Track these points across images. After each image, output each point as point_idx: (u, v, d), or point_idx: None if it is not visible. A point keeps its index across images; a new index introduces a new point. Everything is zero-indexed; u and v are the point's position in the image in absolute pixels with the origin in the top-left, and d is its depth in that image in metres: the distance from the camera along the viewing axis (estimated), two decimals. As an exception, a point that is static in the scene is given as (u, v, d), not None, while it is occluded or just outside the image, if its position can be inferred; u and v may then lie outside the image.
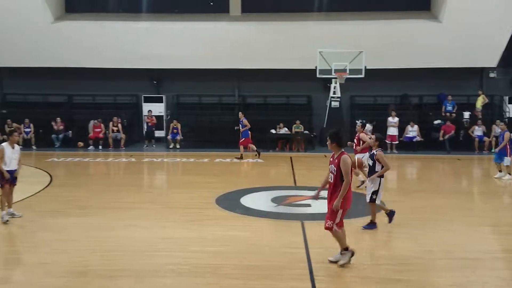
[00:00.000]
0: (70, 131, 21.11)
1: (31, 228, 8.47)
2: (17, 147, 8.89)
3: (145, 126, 21.59)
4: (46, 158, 17.19)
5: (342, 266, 6.44)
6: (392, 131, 19.91)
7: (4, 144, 8.73)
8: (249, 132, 17.56)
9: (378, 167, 8.27)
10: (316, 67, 19.79)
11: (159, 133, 21.77)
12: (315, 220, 8.60)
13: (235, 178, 14.12)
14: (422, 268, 6.66)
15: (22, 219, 8.70)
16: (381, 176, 8.31)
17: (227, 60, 20.96)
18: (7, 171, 8.63)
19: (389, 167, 8.28)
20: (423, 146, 19.90)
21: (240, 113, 17.96)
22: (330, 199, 6.51)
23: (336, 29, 20.72)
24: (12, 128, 8.88)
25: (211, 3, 21.85)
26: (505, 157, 13.32)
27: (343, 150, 6.48)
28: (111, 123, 20.60)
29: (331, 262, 6.56)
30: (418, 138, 20.12)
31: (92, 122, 20.59)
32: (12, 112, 21.41)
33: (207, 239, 7.93)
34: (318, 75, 19.99)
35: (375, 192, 8.27)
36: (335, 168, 6.41)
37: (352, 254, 6.51)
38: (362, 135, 11.67)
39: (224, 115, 21.95)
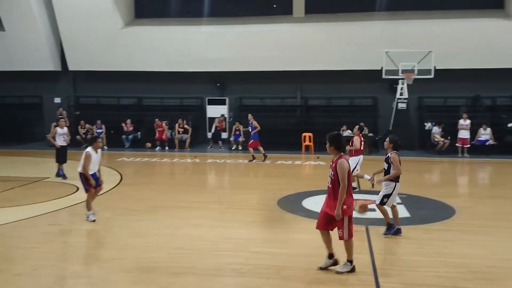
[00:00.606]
0: (139, 132, 21.97)
1: (104, 225, 8.89)
2: (99, 151, 9.24)
3: (212, 128, 22.00)
4: (116, 158, 17.98)
5: (338, 273, 6.26)
6: (464, 134, 19.02)
7: (89, 149, 9.02)
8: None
9: (393, 171, 7.94)
10: (382, 67, 19.33)
11: (223, 135, 22.13)
12: (380, 225, 8.38)
13: (297, 180, 14.07)
14: (494, 277, 6.31)
15: (96, 216, 9.12)
16: (396, 181, 7.93)
17: (290, 62, 20.95)
18: (91, 174, 8.99)
19: (400, 171, 7.88)
20: (497, 150, 18.88)
21: (249, 115, 17.97)
22: (327, 204, 6.35)
23: (403, 29, 20.15)
24: (96, 135, 9.31)
25: (275, 6, 21.92)
26: None
27: (342, 154, 6.26)
28: (177, 125, 21.22)
29: (322, 268, 6.40)
30: (491, 142, 19.12)
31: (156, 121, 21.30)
32: (85, 114, 22.60)
33: (269, 241, 7.96)
34: (384, 76, 19.51)
35: (387, 196, 7.93)
36: (333, 173, 6.23)
37: (353, 269, 6.30)
38: (355, 137, 11.75)
39: (286, 117, 21.95)
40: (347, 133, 20.16)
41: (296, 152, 19.27)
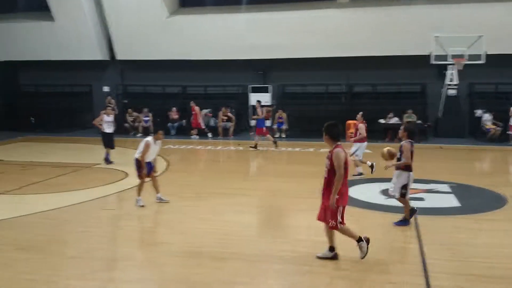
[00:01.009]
0: (184, 120, 22.31)
1: (152, 210, 9.13)
2: (159, 142, 9.51)
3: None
4: (163, 145, 18.17)
5: (363, 258, 6.22)
6: (516, 121, 18.22)
7: (149, 138, 9.35)
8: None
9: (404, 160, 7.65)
10: (430, 53, 18.74)
11: (266, 123, 22.06)
12: (429, 214, 8.20)
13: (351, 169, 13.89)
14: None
15: (144, 201, 9.35)
16: (408, 170, 7.66)
17: (334, 49, 20.62)
18: (146, 162, 9.29)
19: (409, 161, 7.60)
20: (553, 138, 18.01)
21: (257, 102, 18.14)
22: (324, 194, 6.30)
23: (452, 13, 19.40)
24: (160, 129, 9.69)
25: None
26: None
27: (338, 143, 6.25)
28: (220, 113, 21.40)
29: (320, 258, 6.38)
30: (547, 129, 18.25)
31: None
32: (133, 102, 23.16)
33: (315, 229, 7.91)
34: (432, 62, 18.92)
35: (404, 186, 7.71)
36: (329, 162, 6.19)
37: (367, 241, 6.24)
38: (360, 125, 12.09)
39: (331, 104, 21.68)
40: (394, 120, 19.74)
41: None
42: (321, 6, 21.06)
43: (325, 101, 21.81)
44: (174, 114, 22.11)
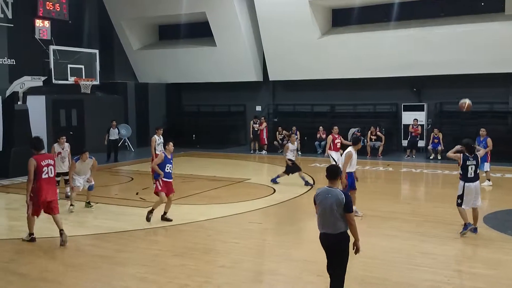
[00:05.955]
0: (332, 139, 22.19)
1: (298, 227, 9.22)
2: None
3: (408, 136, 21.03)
4: (309, 163, 18.49)
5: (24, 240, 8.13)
6: None
7: (351, 148, 9.85)
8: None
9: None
10: None
11: (419, 143, 20.93)
12: None
13: (507, 195, 12.46)
14: None
15: (289, 217, 9.49)
16: (465, 180, 8.43)
17: (500, 64, 18.71)
18: (350, 174, 9.81)
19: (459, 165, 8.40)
20: None
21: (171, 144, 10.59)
22: None
23: None
24: (357, 137, 10.35)
25: (482, 3, 19.89)
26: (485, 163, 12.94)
27: (41, 152, 7.99)
28: (369, 132, 20.85)
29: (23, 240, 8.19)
30: None
31: (352, 130, 21.11)
32: (283, 121, 23.84)
33: (472, 260, 7.23)
34: None
35: (460, 196, 8.49)
36: None
37: (32, 239, 8.11)
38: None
39: (495, 124, 19.65)
40: None
41: (507, 164, 17.09)
42: (484, 20, 19.31)
43: (488, 121, 19.84)
44: (321, 132, 22.18)
